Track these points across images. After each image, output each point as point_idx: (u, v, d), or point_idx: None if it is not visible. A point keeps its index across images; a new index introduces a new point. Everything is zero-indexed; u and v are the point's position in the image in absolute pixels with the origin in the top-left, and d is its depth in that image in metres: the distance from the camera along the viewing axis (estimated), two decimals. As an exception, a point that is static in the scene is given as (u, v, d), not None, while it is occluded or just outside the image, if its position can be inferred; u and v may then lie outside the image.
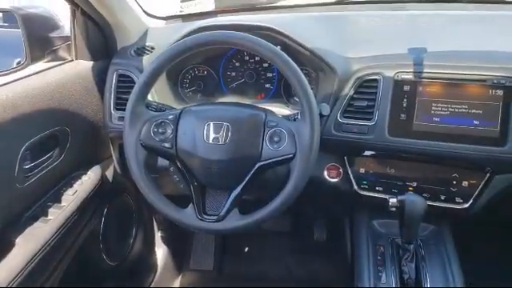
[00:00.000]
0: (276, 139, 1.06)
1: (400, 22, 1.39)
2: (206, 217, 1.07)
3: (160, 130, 1.10)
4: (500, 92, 1.11)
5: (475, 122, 1.13)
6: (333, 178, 1.31)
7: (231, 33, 1.05)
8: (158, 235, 2.01)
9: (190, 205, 1.09)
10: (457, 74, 1.15)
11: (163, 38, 1.43)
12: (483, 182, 1.19)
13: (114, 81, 1.39)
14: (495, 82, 1.12)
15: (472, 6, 1.48)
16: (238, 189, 1.08)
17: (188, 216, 1.08)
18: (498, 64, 1.13)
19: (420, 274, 1.14)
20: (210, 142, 1.07)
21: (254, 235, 2.10)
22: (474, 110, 1.13)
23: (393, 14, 1.46)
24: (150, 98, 1.30)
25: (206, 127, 1.07)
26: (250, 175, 1.07)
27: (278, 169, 1.12)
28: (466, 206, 1.21)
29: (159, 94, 1.38)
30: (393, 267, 1.17)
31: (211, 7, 1.87)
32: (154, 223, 1.99)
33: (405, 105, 1.17)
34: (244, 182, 1.08)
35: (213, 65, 1.49)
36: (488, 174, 1.18)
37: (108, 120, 1.40)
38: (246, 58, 1.46)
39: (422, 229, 1.23)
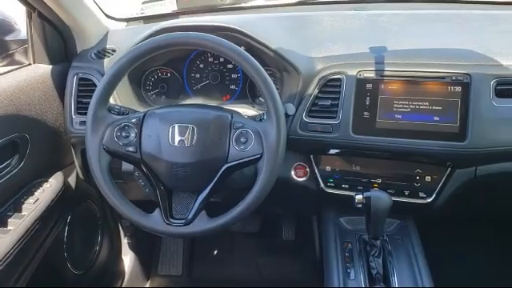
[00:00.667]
0: (242, 140, 1.05)
1: (361, 22, 1.41)
2: (173, 221, 1.06)
3: (123, 134, 1.08)
4: (458, 88, 1.15)
5: (435, 118, 1.16)
6: (300, 177, 1.32)
7: (194, 34, 1.04)
8: (124, 242, 1.97)
9: (157, 209, 1.08)
10: (417, 72, 1.18)
11: (124, 40, 1.41)
12: (445, 177, 1.23)
13: (74, 85, 1.36)
14: (453, 78, 1.15)
15: (431, 5, 1.52)
16: (206, 191, 1.07)
17: (155, 221, 1.06)
18: (456, 61, 1.17)
19: (387, 268, 1.16)
20: (176, 144, 1.05)
21: (222, 237, 2.09)
22: (434, 107, 1.16)
23: (354, 14, 1.48)
24: (112, 101, 1.27)
25: (170, 130, 1.06)
26: (217, 177, 1.07)
27: (245, 170, 1.12)
28: (430, 200, 1.24)
29: (122, 97, 1.35)
30: (361, 263, 1.19)
31: (173, 8, 1.85)
32: (120, 230, 1.94)
33: (368, 103, 1.19)
34: (211, 185, 1.07)
35: (176, 66, 1.47)
36: (449, 169, 1.22)
37: (69, 125, 1.36)
38: (210, 59, 1.45)
39: (387, 224, 1.25)
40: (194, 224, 1.05)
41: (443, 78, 1.16)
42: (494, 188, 1.29)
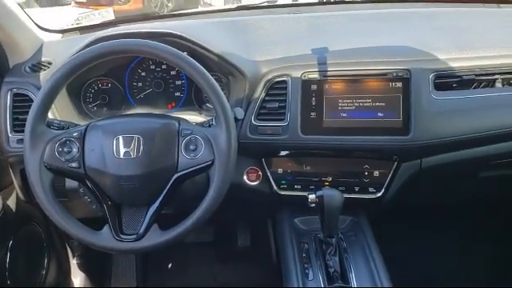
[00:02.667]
0: (192, 147, 1.03)
1: (301, 24, 1.43)
2: (123, 237, 1.02)
3: (65, 150, 1.02)
4: (399, 84, 1.18)
5: (380, 114, 1.19)
6: (252, 181, 1.31)
7: (134, 40, 1.01)
8: (73, 262, 1.88)
9: (106, 226, 1.03)
10: (359, 70, 1.20)
11: (60, 52, 1.34)
12: (392, 171, 1.26)
13: (8, 101, 1.27)
14: (394, 75, 1.19)
15: (365, 5, 1.57)
16: (156, 203, 1.04)
17: (104, 238, 1.02)
18: (396, 58, 1.21)
19: (344, 266, 1.17)
20: (121, 156, 1.01)
21: (176, 249, 2.04)
22: (377, 103, 1.19)
23: (293, 17, 1.51)
24: (50, 115, 1.21)
25: (115, 142, 1.02)
26: (167, 188, 1.04)
27: (196, 178, 1.10)
28: (379, 194, 1.27)
29: (61, 110, 1.29)
30: (318, 263, 1.19)
31: (110, 18, 1.80)
32: (68, 250, 1.85)
33: (314, 103, 1.21)
34: (162, 196, 1.04)
35: (117, 76, 1.42)
36: (396, 163, 1.25)
37: (5, 144, 1.27)
38: (152, 66, 1.41)
39: (340, 221, 1.26)
40: (145, 238, 1.01)
41: (384, 74, 1.19)
42: (439, 178, 1.34)
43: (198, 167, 1.03)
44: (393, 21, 1.42)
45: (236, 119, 1.09)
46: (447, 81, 1.22)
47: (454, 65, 1.21)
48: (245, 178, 1.31)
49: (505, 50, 1.24)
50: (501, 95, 1.22)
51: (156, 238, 1.02)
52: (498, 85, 1.22)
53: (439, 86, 1.21)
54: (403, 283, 1.18)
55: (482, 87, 1.23)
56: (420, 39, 1.28)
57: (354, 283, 1.13)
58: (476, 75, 1.22)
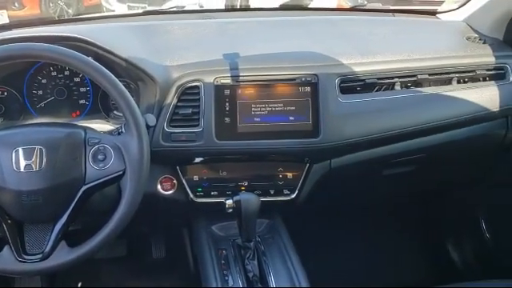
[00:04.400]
0: (100, 157, 0.98)
1: (212, 30, 1.43)
2: (27, 257, 0.94)
3: None
4: (308, 88, 1.22)
5: (291, 118, 1.22)
6: (167, 190, 1.27)
7: (34, 44, 0.93)
8: (-34, 291, 1.69)
9: (6, 246, 0.94)
10: (269, 75, 1.22)
11: None
12: (304, 172, 1.29)
13: None
14: (303, 79, 1.22)
15: (274, 12, 1.62)
16: (63, 219, 0.97)
17: (4, 260, 0.93)
18: (304, 63, 1.25)
19: (263, 269, 1.18)
20: (22, 170, 0.93)
21: (86, 266, 1.92)
22: (288, 107, 1.22)
23: (203, 23, 1.50)
24: None
25: (14, 154, 0.93)
26: (74, 202, 0.97)
27: (106, 190, 1.04)
28: (293, 196, 1.30)
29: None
30: (237, 268, 1.19)
31: (4, 21, 1.65)
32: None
33: (227, 108, 1.20)
34: (69, 211, 0.97)
35: (14, 84, 1.30)
36: (307, 165, 1.29)
37: None
38: (54, 73, 1.32)
39: (258, 225, 1.27)
40: (52, 257, 0.94)
41: (293, 79, 1.23)
42: (348, 177, 1.41)
43: (107, 178, 0.98)
44: (299, 27, 1.47)
45: (147, 126, 1.05)
46: (352, 84, 1.28)
47: (357, 69, 1.28)
48: (159, 187, 1.27)
49: (401, 55, 1.33)
50: (399, 97, 1.31)
51: (64, 256, 0.95)
52: (397, 87, 1.31)
53: (345, 90, 1.26)
54: (320, 282, 1.21)
55: (383, 90, 1.31)
56: (325, 45, 1.33)
57: (273, 285, 1.14)
58: (377, 79, 1.29)
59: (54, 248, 0.95)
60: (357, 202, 1.72)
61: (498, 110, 1.36)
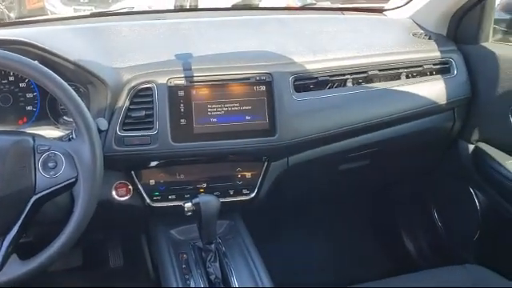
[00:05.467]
0: (51, 165, 0.94)
1: (162, 31, 1.40)
2: None
3: None
4: (263, 87, 1.23)
5: (247, 118, 1.22)
6: (122, 196, 1.24)
7: None
8: None
9: (-50, 265, 0.88)
10: (225, 75, 1.22)
11: None
12: (263, 171, 1.30)
13: None
14: (257, 78, 1.23)
15: (224, 12, 1.61)
16: (13, 231, 0.92)
17: None
18: (258, 62, 1.25)
19: (225, 270, 1.17)
20: None
21: (40, 279, 1.84)
22: (244, 107, 1.22)
23: (153, 23, 1.47)
24: None
25: None
26: (25, 213, 0.92)
27: (58, 198, 1.00)
28: (253, 195, 1.30)
29: None
30: (199, 271, 1.17)
31: None
32: None
33: (183, 110, 1.18)
34: (19, 222, 0.92)
35: None
36: (265, 163, 1.29)
37: None
38: None
39: (218, 226, 1.26)
40: (3, 272, 0.89)
41: (248, 78, 1.22)
42: (306, 174, 1.42)
43: (59, 186, 0.94)
44: (251, 27, 1.47)
45: (99, 131, 1.02)
46: (305, 82, 1.29)
47: (309, 67, 1.29)
48: (113, 193, 1.23)
49: (352, 52, 1.36)
50: (351, 93, 1.33)
51: (15, 270, 0.90)
52: (349, 84, 1.34)
53: (299, 88, 1.28)
54: (283, 280, 1.22)
55: (336, 87, 1.34)
56: (278, 44, 1.34)
57: (236, 286, 1.14)
58: (330, 76, 1.32)
59: (4, 262, 0.90)
60: (315, 198, 1.74)
61: (444, 102, 1.42)
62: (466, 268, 1.18)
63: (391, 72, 1.39)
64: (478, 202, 1.50)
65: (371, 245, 2.01)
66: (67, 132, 1.07)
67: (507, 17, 1.53)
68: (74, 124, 0.97)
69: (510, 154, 1.38)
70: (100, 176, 0.96)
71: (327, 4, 2.03)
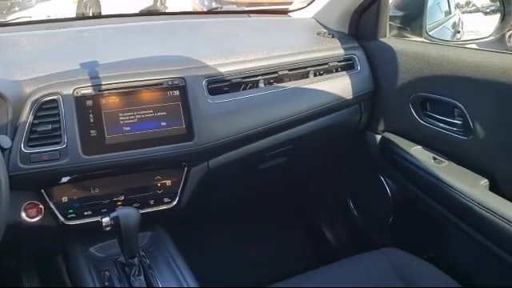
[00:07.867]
0: None
1: (63, 40, 1.34)
2: None
3: None
4: (176, 92, 1.21)
5: (163, 124, 1.19)
6: (33, 217, 1.15)
7: None
8: None
9: None
10: (134, 82, 1.18)
11: None
12: (183, 177, 1.28)
13: None
14: (170, 83, 1.21)
15: (129, 18, 1.56)
16: None
17: None
18: (170, 67, 1.23)
19: (151, 283, 1.13)
20: None
21: None
22: (159, 113, 1.19)
23: (53, 33, 1.39)
24: None
25: None
26: None
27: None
28: (175, 203, 1.28)
29: None
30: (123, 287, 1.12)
31: None
32: None
33: (92, 120, 1.13)
34: None
35: None
36: (185, 169, 1.27)
37: None
38: None
39: (140, 238, 1.22)
40: None
41: (160, 84, 1.20)
42: (227, 176, 1.43)
43: None
44: (160, 32, 1.44)
45: (2, 149, 0.94)
46: (219, 85, 1.30)
47: (222, 70, 1.30)
48: (23, 215, 1.14)
49: (261, 53, 1.39)
50: (264, 94, 1.36)
51: None
52: (261, 85, 1.36)
53: (213, 91, 1.28)
54: (211, 283, 1.21)
55: (249, 88, 1.35)
56: (188, 48, 1.33)
57: None
58: (242, 78, 1.33)
59: None
60: (239, 199, 1.75)
61: (351, 97, 1.49)
62: (382, 252, 1.25)
63: (300, 71, 1.44)
64: (389, 188, 1.60)
65: (295, 239, 2.06)
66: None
67: (400, 13, 1.64)
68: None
69: (413, 141, 1.48)
70: (6, 198, 0.88)
71: (233, 7, 2.05)
